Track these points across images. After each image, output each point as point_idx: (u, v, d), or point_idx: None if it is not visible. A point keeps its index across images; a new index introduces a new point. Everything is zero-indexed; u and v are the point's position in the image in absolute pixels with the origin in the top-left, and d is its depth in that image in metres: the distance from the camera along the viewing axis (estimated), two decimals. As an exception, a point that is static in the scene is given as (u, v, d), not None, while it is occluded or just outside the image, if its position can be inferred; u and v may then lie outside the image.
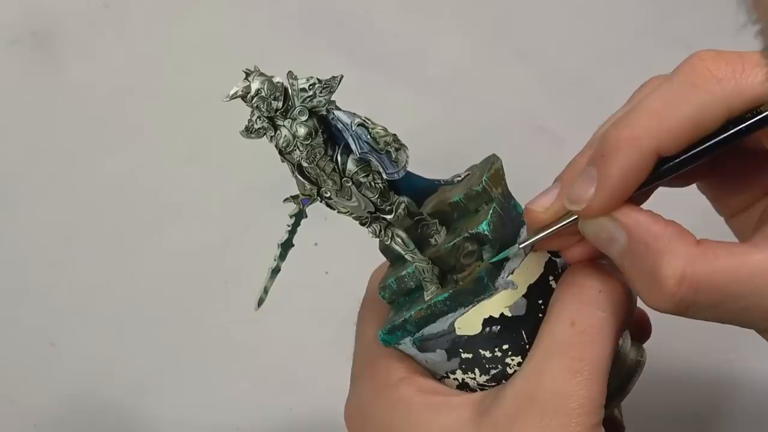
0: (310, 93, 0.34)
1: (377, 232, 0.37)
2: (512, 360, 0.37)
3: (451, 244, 0.37)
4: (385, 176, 0.35)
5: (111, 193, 0.66)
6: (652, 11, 0.75)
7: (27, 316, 0.62)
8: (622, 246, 0.33)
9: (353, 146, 0.34)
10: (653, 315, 0.39)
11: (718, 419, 0.58)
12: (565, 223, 0.35)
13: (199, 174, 0.67)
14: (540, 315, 0.36)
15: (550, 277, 0.37)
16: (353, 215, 0.36)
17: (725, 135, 0.32)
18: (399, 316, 0.38)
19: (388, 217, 0.36)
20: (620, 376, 0.38)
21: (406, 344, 0.38)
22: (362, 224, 0.37)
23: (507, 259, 0.36)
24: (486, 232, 0.36)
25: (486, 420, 0.35)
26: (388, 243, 0.37)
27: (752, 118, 0.32)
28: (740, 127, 0.32)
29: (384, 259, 0.41)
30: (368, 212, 0.36)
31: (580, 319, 0.35)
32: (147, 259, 0.64)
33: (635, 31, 0.72)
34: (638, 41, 0.70)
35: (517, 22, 0.74)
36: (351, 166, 0.35)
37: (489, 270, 0.36)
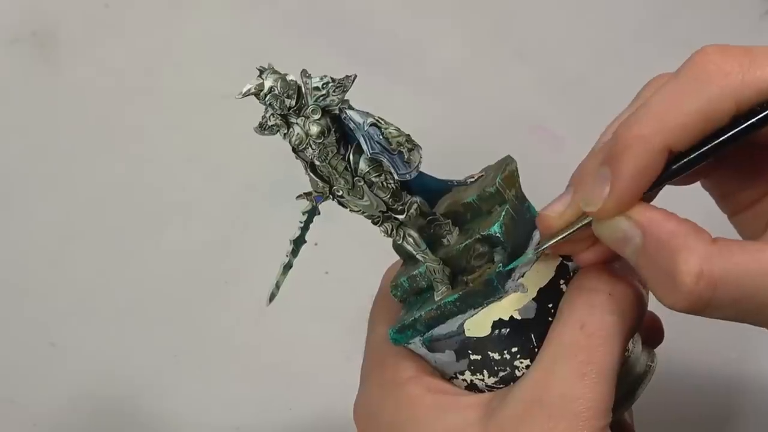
0: (324, 92, 0.34)
1: (389, 232, 0.37)
2: (521, 363, 0.37)
3: (463, 245, 0.37)
4: (396, 177, 0.35)
5: (111, 193, 0.66)
6: (652, 12, 0.76)
7: (27, 316, 0.62)
8: (638, 245, 0.32)
9: (364, 146, 0.34)
10: (663, 317, 0.39)
11: (727, 421, 0.58)
12: (578, 227, 0.35)
13: (200, 174, 0.67)
14: (550, 319, 0.36)
15: (561, 281, 0.37)
16: (365, 214, 0.36)
17: (736, 130, 0.32)
18: (409, 316, 0.38)
19: (400, 217, 0.36)
20: (629, 380, 0.38)
21: (416, 344, 0.38)
22: (374, 223, 0.37)
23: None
24: (497, 234, 0.36)
25: (493, 421, 0.35)
26: (399, 242, 0.37)
27: (762, 112, 0.31)
28: (751, 121, 0.31)
29: (395, 257, 0.41)
30: (380, 211, 0.36)
31: (589, 323, 0.35)
32: (147, 259, 0.64)
33: (635, 32, 0.72)
34: (638, 41, 0.70)
35: (517, 23, 0.74)
36: (363, 165, 0.35)
37: (499, 273, 0.36)
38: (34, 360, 0.60)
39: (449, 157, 0.65)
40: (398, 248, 0.39)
